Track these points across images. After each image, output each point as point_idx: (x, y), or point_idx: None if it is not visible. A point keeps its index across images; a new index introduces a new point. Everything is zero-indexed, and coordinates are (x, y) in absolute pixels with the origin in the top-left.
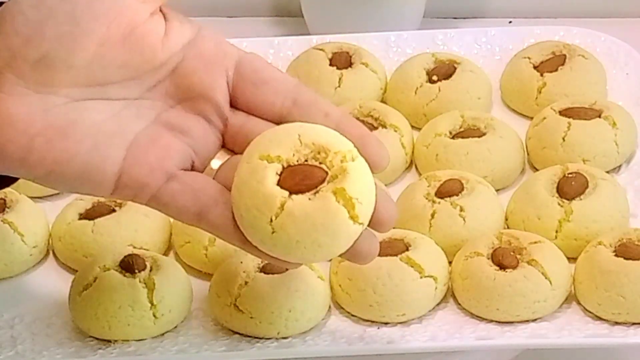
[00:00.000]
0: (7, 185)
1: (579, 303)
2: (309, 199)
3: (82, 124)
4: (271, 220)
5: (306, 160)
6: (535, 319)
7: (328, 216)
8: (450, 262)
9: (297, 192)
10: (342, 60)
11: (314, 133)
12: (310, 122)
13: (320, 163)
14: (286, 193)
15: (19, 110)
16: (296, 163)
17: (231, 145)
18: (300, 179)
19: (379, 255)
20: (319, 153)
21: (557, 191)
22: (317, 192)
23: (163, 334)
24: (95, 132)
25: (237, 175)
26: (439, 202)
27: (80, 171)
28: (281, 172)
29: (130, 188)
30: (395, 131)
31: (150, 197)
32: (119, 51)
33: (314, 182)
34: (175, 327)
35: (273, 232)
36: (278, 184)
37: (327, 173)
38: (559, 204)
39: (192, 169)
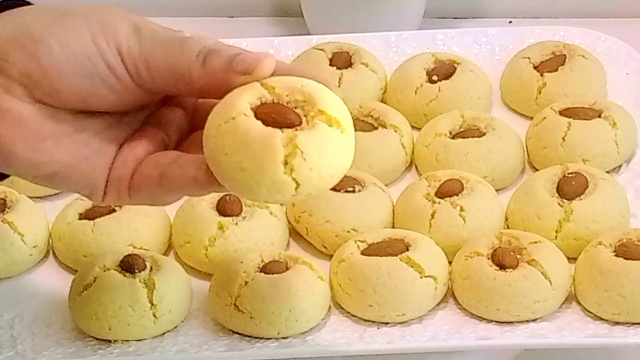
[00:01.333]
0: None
1: (579, 303)
2: (262, 126)
3: (89, 131)
4: (219, 127)
5: (295, 107)
6: (535, 319)
7: (260, 145)
8: (450, 262)
9: (262, 121)
10: (342, 60)
11: (314, 87)
12: None
13: (304, 115)
14: (250, 113)
15: (31, 113)
16: (284, 102)
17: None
18: (274, 112)
19: (379, 255)
20: (307, 104)
21: (557, 191)
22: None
23: (163, 334)
24: (100, 138)
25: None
26: (439, 202)
27: (81, 175)
28: (265, 102)
29: (113, 186)
30: (395, 131)
31: (129, 187)
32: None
33: (283, 121)
34: (175, 327)
35: (214, 137)
36: (254, 109)
37: (300, 123)
38: (559, 204)
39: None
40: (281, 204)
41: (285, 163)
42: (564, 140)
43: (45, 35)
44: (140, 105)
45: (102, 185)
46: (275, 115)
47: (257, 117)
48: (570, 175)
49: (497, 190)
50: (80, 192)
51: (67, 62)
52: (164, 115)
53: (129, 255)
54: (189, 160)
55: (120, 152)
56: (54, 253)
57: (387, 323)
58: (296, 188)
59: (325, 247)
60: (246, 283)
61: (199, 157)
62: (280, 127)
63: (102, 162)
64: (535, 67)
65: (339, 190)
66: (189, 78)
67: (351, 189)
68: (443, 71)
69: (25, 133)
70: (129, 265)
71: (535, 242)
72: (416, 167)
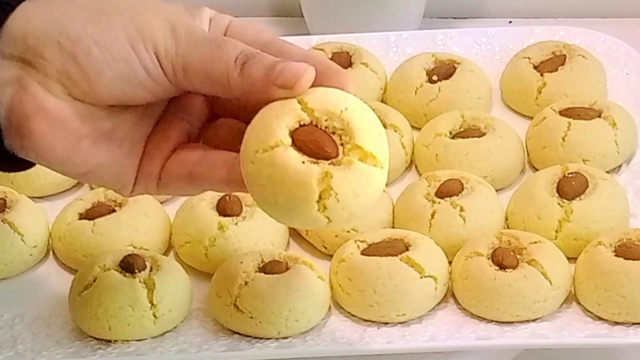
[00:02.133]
0: (24, 169)
1: (579, 303)
2: (301, 160)
3: (123, 127)
4: (256, 153)
5: (333, 133)
6: (535, 319)
7: (296, 184)
8: (450, 262)
9: (299, 148)
10: (342, 60)
11: (356, 116)
12: None
13: (341, 143)
14: (288, 141)
15: (70, 112)
16: (322, 126)
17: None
18: (311, 142)
19: (379, 255)
20: (346, 134)
21: (557, 191)
22: (314, 161)
23: (163, 334)
24: (133, 135)
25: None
26: (439, 202)
27: (115, 173)
28: (303, 125)
29: (141, 182)
30: (395, 131)
31: (157, 184)
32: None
33: (320, 152)
34: (175, 327)
35: (253, 164)
36: (292, 133)
37: (337, 154)
38: (559, 204)
39: (189, 140)
40: None
41: (319, 198)
42: (564, 140)
43: (82, 35)
44: (171, 97)
45: (131, 182)
46: (313, 146)
47: (294, 142)
48: (570, 175)
49: (497, 190)
50: (110, 188)
51: (106, 65)
52: (186, 103)
53: (129, 255)
54: (218, 161)
55: (146, 149)
56: (54, 253)
57: (387, 323)
58: (327, 223)
59: (325, 247)
60: (246, 283)
61: (228, 158)
62: (317, 158)
63: (133, 161)
64: (535, 67)
65: None
66: (227, 85)
67: None
68: (443, 71)
69: (64, 133)
70: (129, 265)
71: (535, 242)
72: (416, 167)
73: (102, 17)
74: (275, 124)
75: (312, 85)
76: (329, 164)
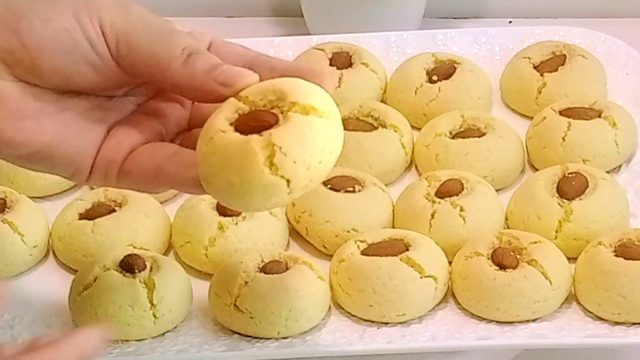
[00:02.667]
0: None
1: (579, 303)
2: (238, 136)
3: (72, 111)
4: (202, 149)
5: (271, 108)
6: (535, 319)
7: (242, 155)
8: (450, 262)
9: (241, 132)
10: (342, 60)
11: (288, 82)
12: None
13: (281, 112)
14: (228, 128)
15: (12, 92)
16: (260, 107)
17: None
18: (250, 120)
19: (379, 255)
20: (281, 100)
21: (557, 191)
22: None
23: (163, 334)
24: (84, 119)
25: None
26: (439, 202)
27: (63, 155)
28: (243, 113)
29: (101, 167)
30: (395, 131)
31: (118, 171)
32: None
33: (260, 125)
34: (175, 327)
35: (201, 162)
36: (234, 123)
37: (277, 121)
38: (559, 204)
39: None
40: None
41: (271, 165)
42: (564, 140)
43: (27, 11)
44: (121, 86)
45: (87, 166)
46: (252, 122)
47: (237, 130)
48: (570, 175)
49: (497, 190)
50: (63, 173)
51: (47, 38)
52: (161, 108)
53: (129, 255)
54: (188, 159)
55: (112, 135)
56: (54, 253)
57: (387, 323)
58: (288, 185)
59: (325, 247)
60: (246, 283)
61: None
62: (259, 132)
63: (87, 142)
64: (535, 67)
65: (339, 190)
66: (167, 71)
67: (351, 189)
68: (443, 71)
69: (5, 112)
70: (129, 265)
71: (535, 242)
72: (416, 167)
73: None
74: (213, 120)
75: None
76: (269, 131)
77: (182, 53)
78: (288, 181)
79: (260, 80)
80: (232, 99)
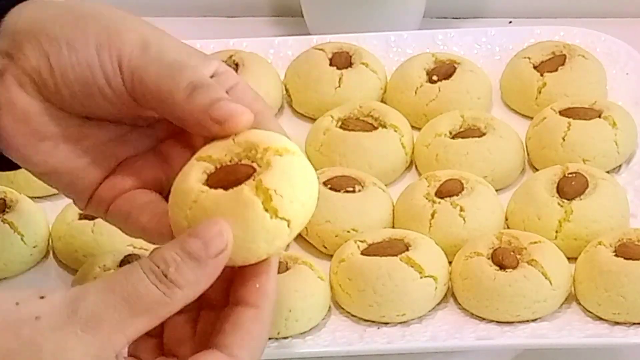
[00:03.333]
0: (15, 168)
1: (579, 303)
2: (224, 192)
3: (90, 140)
4: (186, 216)
5: (240, 160)
6: (535, 319)
7: (238, 206)
8: (450, 262)
9: (221, 187)
10: (342, 60)
11: (249, 133)
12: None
13: (252, 162)
14: (205, 188)
15: (37, 111)
16: (228, 163)
17: None
18: (225, 175)
19: (379, 255)
20: (250, 151)
21: (557, 191)
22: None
23: None
24: (98, 152)
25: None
26: (439, 202)
27: (70, 182)
28: (212, 172)
29: (94, 202)
30: (395, 131)
31: (106, 210)
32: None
33: (238, 177)
34: None
35: (188, 226)
36: (206, 183)
37: (254, 170)
38: (559, 204)
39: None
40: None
41: (266, 210)
42: (564, 140)
43: (59, 35)
44: (138, 118)
45: (85, 197)
46: (228, 177)
47: (213, 188)
48: (570, 175)
49: (497, 190)
50: (67, 196)
51: (70, 66)
52: (171, 152)
53: (129, 255)
54: (163, 210)
55: (114, 174)
56: (54, 253)
57: (387, 323)
58: (288, 225)
59: (325, 247)
60: None
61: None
62: (240, 184)
63: (92, 177)
64: (535, 67)
65: (339, 190)
66: (172, 105)
67: (351, 189)
68: (443, 71)
69: (26, 130)
70: None
71: (535, 242)
72: (416, 167)
73: (81, 21)
74: (184, 184)
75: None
76: (254, 179)
77: (187, 87)
78: (288, 222)
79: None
80: (193, 161)
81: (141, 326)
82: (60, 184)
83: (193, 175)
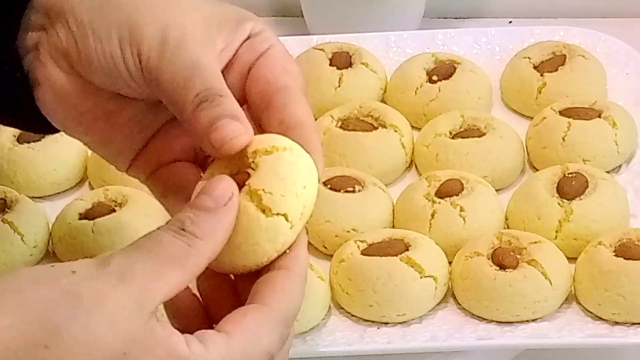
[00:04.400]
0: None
1: (579, 303)
2: None
3: (125, 113)
4: None
5: (237, 173)
6: (535, 319)
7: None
8: (450, 262)
9: None
10: (342, 60)
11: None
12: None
13: (248, 168)
14: None
15: (74, 87)
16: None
17: None
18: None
19: (379, 255)
20: (242, 159)
21: (557, 191)
22: None
23: None
24: (133, 124)
25: None
26: (439, 202)
27: (110, 151)
28: None
29: (135, 169)
30: (395, 131)
31: (146, 178)
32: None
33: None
34: None
35: None
36: None
37: (248, 176)
38: (559, 204)
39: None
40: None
41: (262, 210)
42: (564, 140)
43: (85, 21)
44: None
45: (126, 164)
46: None
47: None
48: (570, 175)
49: (497, 190)
50: (108, 161)
51: (96, 56)
52: None
53: None
54: (186, 182)
55: (154, 139)
56: (54, 253)
57: (387, 323)
58: (287, 219)
59: (325, 247)
60: None
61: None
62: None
63: (130, 146)
64: (535, 67)
65: (339, 190)
66: (181, 117)
67: (351, 189)
68: (443, 71)
69: (66, 105)
70: None
71: (535, 242)
72: (416, 167)
73: (105, 7)
74: None
75: None
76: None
77: (194, 101)
78: (285, 216)
79: (261, 131)
80: (201, 181)
81: (173, 278)
82: (101, 152)
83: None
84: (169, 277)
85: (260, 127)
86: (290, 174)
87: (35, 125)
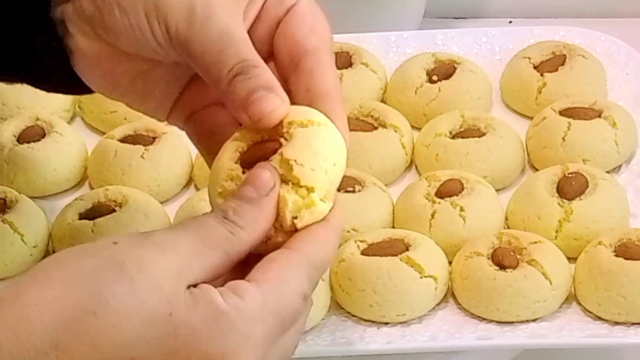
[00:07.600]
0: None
1: (579, 303)
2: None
3: (158, 70)
4: (220, 193)
5: (269, 139)
6: (535, 319)
7: None
8: (450, 262)
9: (250, 166)
10: (342, 60)
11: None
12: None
13: (280, 137)
14: (236, 166)
15: (103, 53)
16: (259, 141)
17: None
18: (254, 152)
19: (379, 255)
20: (277, 127)
21: (557, 191)
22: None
23: None
24: (167, 79)
25: None
26: (439, 202)
27: (148, 107)
28: (244, 151)
29: (174, 118)
30: (395, 131)
31: (185, 122)
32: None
33: (265, 153)
34: None
35: (222, 203)
36: (238, 161)
37: (280, 145)
38: (559, 204)
39: None
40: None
41: (287, 180)
42: (564, 140)
43: None
44: None
45: (164, 115)
46: (257, 153)
47: (242, 166)
48: (570, 175)
49: (497, 190)
50: (147, 115)
51: (124, 28)
52: None
53: None
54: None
55: (189, 87)
56: (54, 253)
57: (387, 323)
58: (314, 193)
59: None
60: None
61: None
62: (267, 159)
63: (167, 98)
64: (535, 67)
65: (339, 190)
66: (216, 90)
67: (351, 189)
68: (443, 71)
69: (101, 71)
70: None
71: (535, 242)
72: (416, 167)
73: None
74: (218, 163)
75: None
76: (278, 154)
77: (229, 74)
78: (312, 189)
79: (287, 90)
80: (229, 141)
81: (215, 260)
82: (142, 108)
83: (226, 154)
84: (211, 257)
85: (286, 85)
86: (324, 149)
87: (77, 89)
